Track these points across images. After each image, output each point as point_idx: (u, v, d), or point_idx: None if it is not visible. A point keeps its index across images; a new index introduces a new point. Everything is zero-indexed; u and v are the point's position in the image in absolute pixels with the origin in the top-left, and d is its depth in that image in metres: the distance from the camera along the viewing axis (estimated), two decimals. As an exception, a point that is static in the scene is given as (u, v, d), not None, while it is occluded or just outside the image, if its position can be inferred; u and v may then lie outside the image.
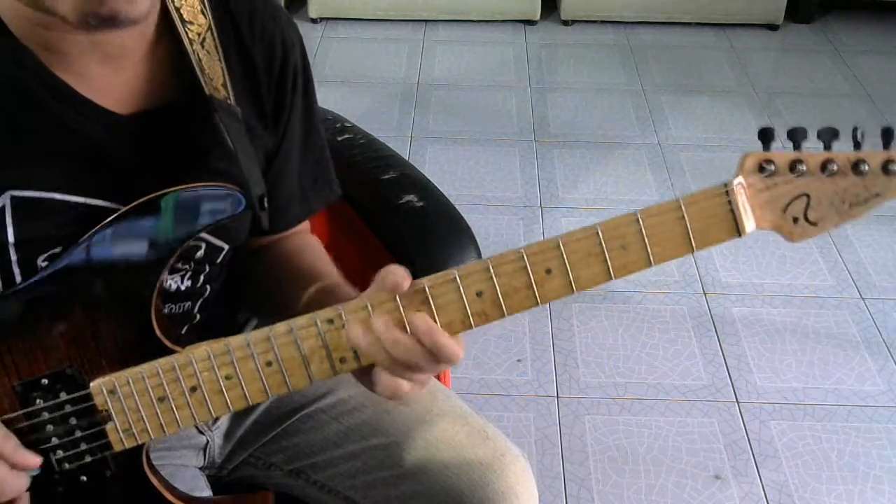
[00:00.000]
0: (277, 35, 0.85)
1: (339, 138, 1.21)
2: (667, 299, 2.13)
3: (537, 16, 3.47)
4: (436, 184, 1.17)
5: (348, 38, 3.38)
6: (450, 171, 2.60)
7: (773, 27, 3.50)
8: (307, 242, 0.98)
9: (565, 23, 3.52)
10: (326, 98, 2.92)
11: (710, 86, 3.11)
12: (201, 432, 0.96)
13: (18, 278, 0.75)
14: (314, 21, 3.46)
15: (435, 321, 0.70)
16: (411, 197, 1.12)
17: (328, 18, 3.49)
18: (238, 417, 0.99)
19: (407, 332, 0.69)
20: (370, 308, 0.71)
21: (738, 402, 1.85)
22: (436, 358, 0.70)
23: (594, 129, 2.83)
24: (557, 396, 1.86)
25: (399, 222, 1.10)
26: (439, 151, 2.69)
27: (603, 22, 3.52)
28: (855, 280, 2.20)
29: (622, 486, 1.67)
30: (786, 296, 2.15)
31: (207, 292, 0.90)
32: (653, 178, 2.58)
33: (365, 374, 0.74)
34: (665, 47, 3.37)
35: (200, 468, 0.97)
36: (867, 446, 1.76)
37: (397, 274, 0.69)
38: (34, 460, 0.73)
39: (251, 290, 0.97)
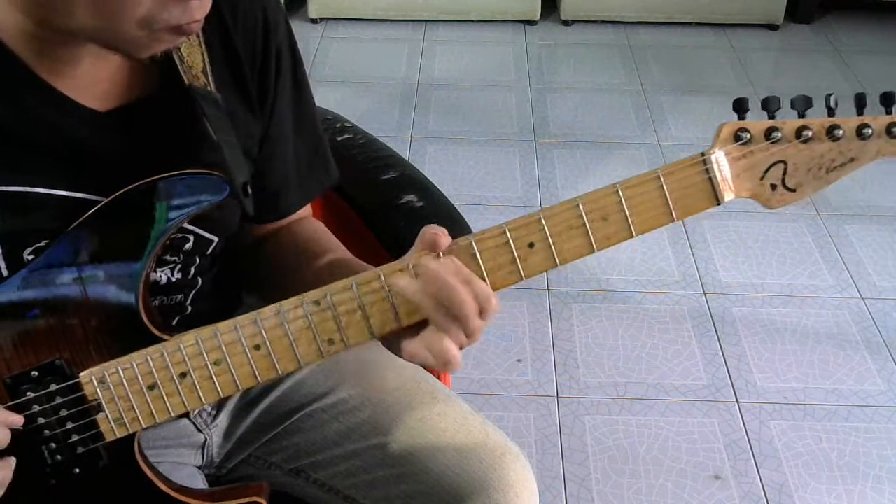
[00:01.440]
0: (259, 20, 0.84)
1: (339, 138, 1.22)
2: (667, 299, 2.13)
3: (537, 16, 3.47)
4: (436, 184, 1.17)
5: (348, 38, 3.38)
6: (450, 171, 2.60)
7: (773, 27, 3.50)
8: (313, 228, 0.98)
9: (565, 23, 3.52)
10: (326, 98, 2.93)
11: (710, 86, 3.11)
12: (199, 430, 0.96)
13: (5, 272, 0.75)
14: (314, 21, 3.46)
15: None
16: (411, 197, 1.12)
17: (328, 18, 3.49)
18: (238, 416, 0.99)
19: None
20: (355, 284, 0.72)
21: (738, 402, 1.85)
22: (478, 303, 0.69)
23: (594, 129, 2.83)
24: (557, 396, 1.86)
25: (399, 222, 1.10)
26: (439, 151, 2.69)
27: (603, 22, 3.52)
28: (855, 280, 2.20)
29: (622, 486, 1.67)
30: (786, 296, 2.15)
31: (199, 284, 0.90)
32: (653, 178, 2.58)
33: (400, 341, 0.74)
34: (665, 47, 3.37)
35: (199, 467, 0.97)
36: (867, 446, 1.76)
37: (436, 230, 0.71)
38: (16, 417, 0.73)
39: (262, 281, 0.98)
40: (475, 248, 0.71)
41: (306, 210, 0.99)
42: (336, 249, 0.93)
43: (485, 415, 0.99)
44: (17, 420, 0.73)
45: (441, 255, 0.70)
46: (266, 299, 1.03)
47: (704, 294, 2.15)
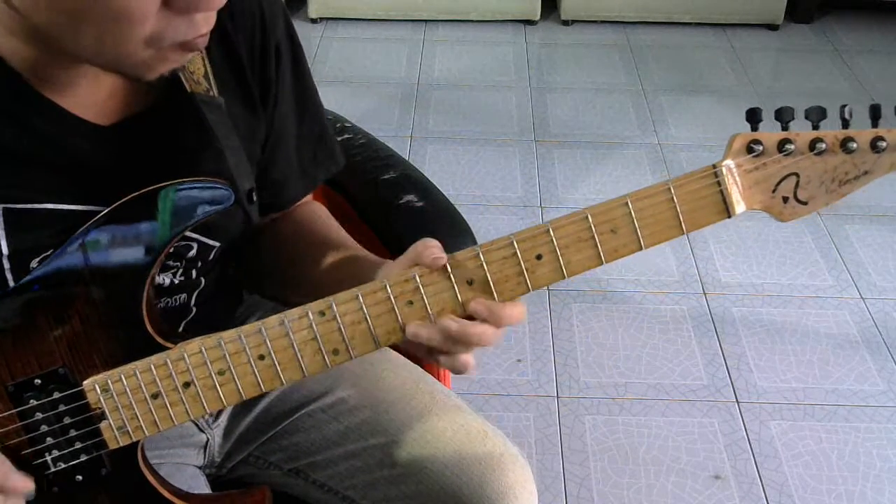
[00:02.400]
0: (257, 17, 0.84)
1: (339, 138, 1.21)
2: (667, 299, 2.13)
3: (537, 16, 3.47)
4: (436, 184, 1.17)
5: (348, 38, 3.38)
6: (450, 171, 2.60)
7: (773, 27, 3.50)
8: (313, 211, 0.98)
9: (565, 23, 3.52)
10: (326, 98, 2.90)
11: (710, 86, 3.11)
12: (202, 430, 0.96)
13: (11, 283, 0.74)
14: (314, 21, 3.46)
15: (427, 310, 0.71)
16: (411, 197, 1.12)
17: (328, 18, 3.49)
18: (237, 416, 0.99)
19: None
20: (372, 294, 0.71)
21: (738, 402, 1.85)
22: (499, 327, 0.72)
23: (594, 129, 2.83)
24: (557, 396, 1.86)
25: (399, 222, 1.10)
26: (439, 151, 2.69)
27: (603, 22, 3.52)
28: (855, 280, 2.20)
29: (622, 486, 1.67)
30: (786, 296, 2.15)
31: (202, 284, 0.90)
32: (653, 178, 2.58)
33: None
34: (665, 47, 3.37)
35: (200, 467, 0.97)
36: (867, 446, 1.76)
37: (432, 249, 0.71)
38: (26, 484, 0.73)
39: (262, 274, 0.98)
40: (482, 258, 0.71)
41: (307, 195, 0.99)
42: (341, 241, 0.92)
43: (485, 415, 0.99)
44: (28, 486, 0.73)
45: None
46: (268, 295, 1.03)
47: (704, 294, 2.15)
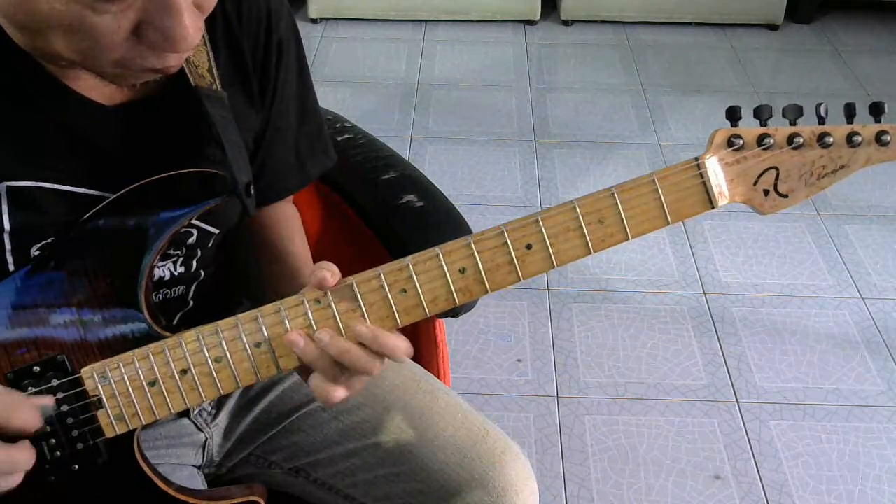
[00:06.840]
0: (263, 14, 0.85)
1: (339, 138, 1.21)
2: (667, 299, 2.13)
3: (537, 16, 3.47)
4: (436, 184, 1.17)
5: (348, 38, 3.38)
6: (450, 171, 2.60)
7: (773, 27, 3.50)
8: (282, 213, 0.98)
9: (565, 23, 3.52)
10: (326, 98, 2.92)
11: (710, 86, 3.11)
12: (200, 429, 0.96)
13: (11, 267, 0.75)
14: (314, 21, 3.47)
15: (420, 298, 0.72)
16: (411, 197, 1.12)
17: (328, 18, 3.49)
18: (237, 415, 0.99)
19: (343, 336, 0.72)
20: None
21: (738, 402, 1.85)
22: (381, 357, 0.73)
23: (594, 129, 2.83)
24: (557, 396, 1.86)
25: (399, 222, 1.10)
26: (439, 151, 2.69)
27: (603, 22, 3.52)
28: (855, 280, 2.20)
29: (622, 486, 1.67)
30: (786, 296, 2.15)
31: (202, 277, 0.90)
32: (653, 178, 2.58)
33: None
34: (665, 47, 3.38)
35: (199, 467, 0.97)
36: (867, 446, 1.76)
37: (325, 271, 0.71)
38: (29, 454, 0.72)
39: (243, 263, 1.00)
40: (474, 247, 0.72)
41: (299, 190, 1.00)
42: (286, 252, 0.94)
43: (485, 415, 0.99)
44: (28, 458, 0.72)
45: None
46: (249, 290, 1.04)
47: (704, 294, 2.15)
